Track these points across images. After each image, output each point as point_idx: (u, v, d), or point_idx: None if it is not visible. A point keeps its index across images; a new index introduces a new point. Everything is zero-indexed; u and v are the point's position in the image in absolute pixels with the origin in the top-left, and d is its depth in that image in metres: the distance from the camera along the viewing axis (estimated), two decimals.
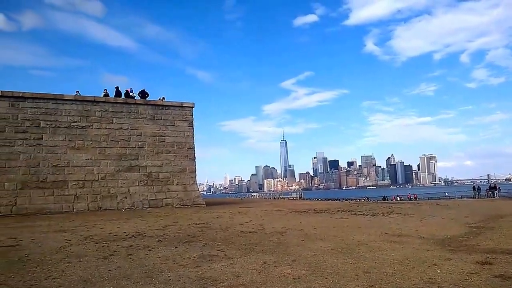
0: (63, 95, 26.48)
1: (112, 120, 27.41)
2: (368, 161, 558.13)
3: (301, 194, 76.26)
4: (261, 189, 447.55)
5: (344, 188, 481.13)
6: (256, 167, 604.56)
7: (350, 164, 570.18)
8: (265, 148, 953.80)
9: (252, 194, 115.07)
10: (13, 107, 24.84)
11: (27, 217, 21.18)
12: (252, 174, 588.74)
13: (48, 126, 25.47)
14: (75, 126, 26.21)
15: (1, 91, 24.83)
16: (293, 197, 69.23)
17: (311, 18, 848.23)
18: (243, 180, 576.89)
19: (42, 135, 25.26)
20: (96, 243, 10.64)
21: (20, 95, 25.17)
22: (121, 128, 27.54)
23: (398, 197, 58.87)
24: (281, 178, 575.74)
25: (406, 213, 19.96)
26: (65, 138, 25.83)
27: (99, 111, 27.13)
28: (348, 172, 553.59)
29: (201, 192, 33.55)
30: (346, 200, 55.20)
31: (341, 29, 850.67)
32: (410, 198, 58.23)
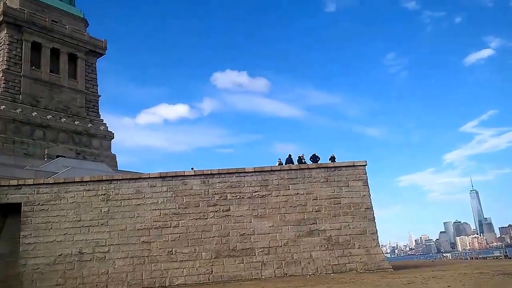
0: (244, 168, 28.99)
1: (289, 187, 28.70)
2: None
3: (505, 252, 65.99)
4: (454, 248, 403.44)
5: None
6: (444, 223, 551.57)
7: None
8: (452, 202, 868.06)
9: (444, 254, 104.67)
10: (204, 184, 28.08)
11: (222, 284, 22.93)
12: (440, 232, 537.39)
13: (233, 197, 27.94)
14: (257, 196, 28.17)
15: (194, 170, 28.52)
16: (496, 256, 60.32)
17: (485, 52, 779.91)
18: (431, 239, 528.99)
19: (229, 207, 27.75)
20: None
21: (209, 172, 28.42)
22: (298, 193, 28.57)
23: None
24: (477, 234, 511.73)
25: None
26: (249, 207, 27.89)
27: (276, 179, 28.78)
28: None
29: (385, 255, 31.92)
30: None
31: None
32: None
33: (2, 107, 40.74)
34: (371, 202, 29.27)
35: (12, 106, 41.80)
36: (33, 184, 27.25)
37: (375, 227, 28.71)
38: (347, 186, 29.31)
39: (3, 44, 44.11)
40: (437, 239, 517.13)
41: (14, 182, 27.32)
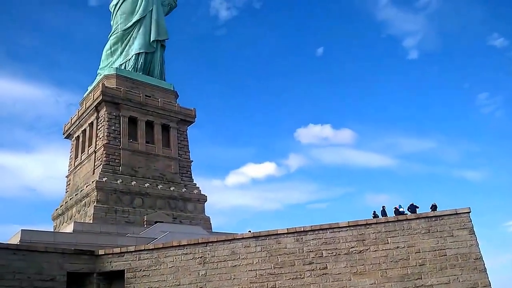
0: (338, 223, 28.09)
1: (387, 240, 27.15)
2: None
3: None
4: None
5: None
6: None
7: None
8: None
9: None
10: (298, 242, 27.51)
11: None
12: None
13: (329, 254, 26.95)
14: (354, 252, 26.92)
15: (287, 228, 28.15)
16: None
17: None
18: None
19: (326, 264, 26.72)
20: None
21: (302, 229, 27.87)
22: (398, 247, 26.87)
23: None
24: None
25: None
26: (347, 264, 26.63)
27: (373, 233, 27.41)
28: None
29: None
30: None
31: None
32: None
33: (104, 179, 44.09)
34: (480, 252, 26.64)
35: (113, 177, 45.10)
36: (135, 251, 28.51)
37: (488, 278, 25.92)
38: (452, 236, 27.08)
39: (103, 121, 48.51)
40: None
41: (117, 250, 28.79)
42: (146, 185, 46.53)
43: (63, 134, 56.98)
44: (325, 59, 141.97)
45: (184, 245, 28.22)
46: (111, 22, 57.16)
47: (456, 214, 27.79)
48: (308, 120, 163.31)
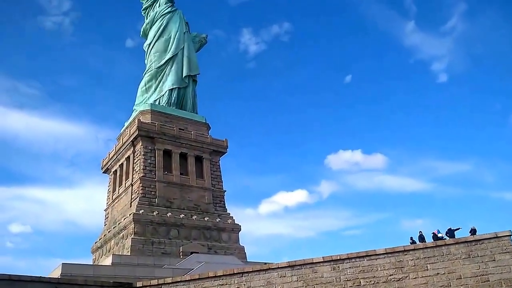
0: (374, 250, 27.65)
1: (427, 266, 26.49)
2: None
3: None
4: None
5: None
6: None
7: None
8: None
9: None
10: (334, 270, 27.18)
11: None
12: None
13: (367, 283, 26.45)
14: (392, 279, 26.36)
15: (323, 257, 27.89)
16: None
17: None
18: None
19: None
20: None
21: (338, 257, 27.56)
22: (438, 273, 26.15)
23: None
24: None
25: None
26: None
27: (412, 259, 26.82)
28: None
29: None
30: None
31: None
32: None
33: (141, 211, 45.07)
34: None
35: (150, 209, 46.04)
36: (172, 283, 28.82)
37: None
38: (493, 260, 26.18)
39: (139, 155, 49.95)
40: None
41: (155, 282, 29.19)
42: (181, 216, 47.20)
43: (102, 168, 58.88)
44: (353, 86, 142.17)
45: (219, 276, 28.37)
46: (145, 61, 59.59)
47: (497, 237, 26.92)
48: (338, 146, 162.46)
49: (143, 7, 62.21)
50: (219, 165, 55.04)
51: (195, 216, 48.30)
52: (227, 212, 52.38)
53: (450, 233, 28.43)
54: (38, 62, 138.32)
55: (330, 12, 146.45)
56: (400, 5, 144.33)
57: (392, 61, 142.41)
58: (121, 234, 45.86)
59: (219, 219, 49.88)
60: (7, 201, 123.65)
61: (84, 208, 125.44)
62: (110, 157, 56.74)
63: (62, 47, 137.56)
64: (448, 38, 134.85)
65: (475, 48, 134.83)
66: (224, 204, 53.00)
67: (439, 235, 28.92)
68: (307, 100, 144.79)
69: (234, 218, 51.78)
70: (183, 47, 58.07)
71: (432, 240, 28.14)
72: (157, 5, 60.90)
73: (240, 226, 51.24)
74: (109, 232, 49.59)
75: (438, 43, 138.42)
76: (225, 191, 54.01)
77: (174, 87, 56.25)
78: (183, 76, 56.82)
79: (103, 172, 59.01)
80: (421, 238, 28.83)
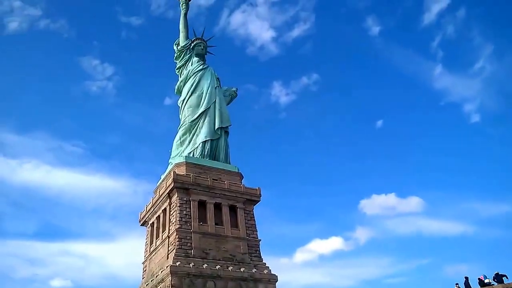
0: None
1: None
2: None
3: None
4: None
5: None
6: None
7: None
8: None
9: None
10: None
11: None
12: None
13: None
14: None
15: None
16: None
17: None
18: None
19: None
20: None
21: None
22: None
23: None
24: None
25: None
26: None
27: None
28: None
29: None
30: None
31: None
32: None
33: (178, 263, 45.19)
34: None
35: (186, 261, 46.13)
36: None
37: None
38: None
39: (175, 206, 50.77)
40: None
41: None
42: (217, 267, 46.97)
43: (139, 221, 59.94)
44: (385, 130, 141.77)
45: None
46: (180, 116, 61.88)
47: None
48: (371, 191, 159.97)
49: (177, 66, 65.50)
50: (253, 214, 55.12)
51: (231, 267, 47.97)
52: (263, 262, 51.81)
53: (498, 278, 27.34)
54: (83, 122, 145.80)
55: (356, 59, 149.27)
56: (426, 50, 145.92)
57: (422, 105, 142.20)
58: (159, 287, 45.88)
59: (255, 270, 49.32)
60: (51, 257, 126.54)
61: (124, 261, 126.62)
62: (147, 210, 57.83)
63: (105, 108, 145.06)
64: (477, 79, 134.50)
65: (506, 86, 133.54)
66: (260, 254, 52.55)
67: (486, 280, 27.82)
68: (338, 146, 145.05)
69: (270, 268, 51.10)
70: (215, 101, 60.18)
71: (479, 287, 27.10)
72: (190, 63, 64.04)
73: (277, 276, 50.40)
74: (147, 285, 49.68)
75: (468, 84, 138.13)
76: (260, 240, 53.71)
77: (207, 139, 57.76)
78: (215, 128, 58.43)
79: (141, 225, 60.01)
80: (467, 284, 27.82)
